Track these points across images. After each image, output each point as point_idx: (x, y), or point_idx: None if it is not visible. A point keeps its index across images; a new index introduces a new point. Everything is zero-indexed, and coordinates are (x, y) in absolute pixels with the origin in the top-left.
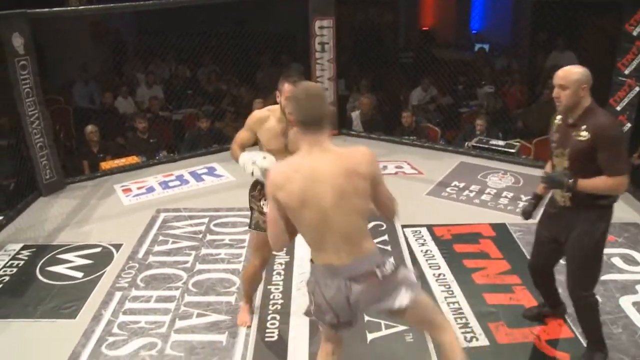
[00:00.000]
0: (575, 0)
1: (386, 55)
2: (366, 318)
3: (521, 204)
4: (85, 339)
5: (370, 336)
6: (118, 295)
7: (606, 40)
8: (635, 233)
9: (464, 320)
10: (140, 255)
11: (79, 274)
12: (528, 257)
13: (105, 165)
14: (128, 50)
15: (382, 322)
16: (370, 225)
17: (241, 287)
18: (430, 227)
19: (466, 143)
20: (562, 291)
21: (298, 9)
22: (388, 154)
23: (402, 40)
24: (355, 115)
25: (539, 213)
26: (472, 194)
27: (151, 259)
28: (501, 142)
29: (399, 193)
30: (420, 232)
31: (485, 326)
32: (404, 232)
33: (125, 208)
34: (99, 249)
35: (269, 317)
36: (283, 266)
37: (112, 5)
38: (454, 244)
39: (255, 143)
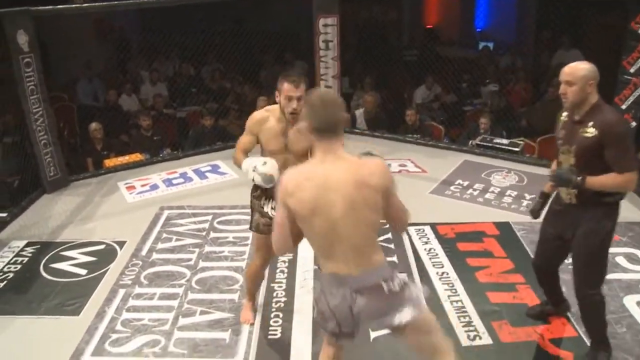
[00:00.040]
0: None
1: (390, 53)
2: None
3: (525, 203)
4: (89, 335)
5: (373, 334)
6: (121, 292)
7: (611, 39)
8: None
9: (467, 319)
10: (143, 252)
11: (83, 271)
12: (532, 256)
13: (109, 162)
14: (132, 48)
15: None
16: None
17: (244, 285)
18: (433, 226)
19: (470, 141)
20: (566, 290)
21: (301, 7)
22: (392, 152)
23: (406, 38)
24: (359, 113)
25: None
26: (475, 193)
27: (155, 256)
28: (505, 141)
29: (403, 191)
30: (423, 231)
31: (489, 325)
32: (407, 231)
33: (128, 205)
34: (102, 246)
35: (272, 315)
36: (286, 264)
37: (115, 2)
38: (457, 242)
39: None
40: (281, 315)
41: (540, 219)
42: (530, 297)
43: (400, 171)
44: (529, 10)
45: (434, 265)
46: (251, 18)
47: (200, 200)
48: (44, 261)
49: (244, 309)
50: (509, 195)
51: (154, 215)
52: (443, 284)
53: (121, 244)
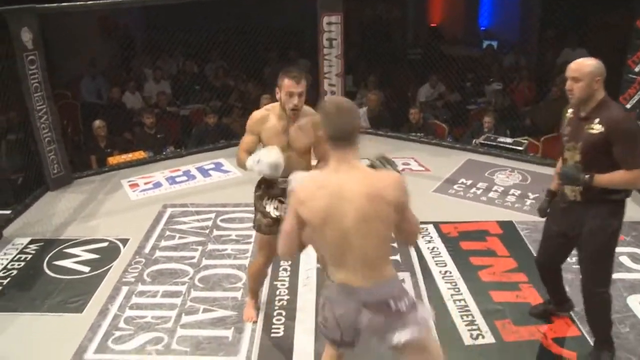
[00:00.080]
0: None
1: (394, 52)
2: None
3: (528, 202)
4: (92, 333)
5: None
6: (125, 289)
7: (616, 37)
8: None
9: (470, 318)
10: (147, 250)
11: (86, 269)
12: (535, 254)
13: (112, 160)
14: (136, 46)
15: None
16: None
17: (247, 283)
18: (437, 225)
19: (474, 140)
20: (569, 289)
21: (305, 5)
22: (395, 150)
23: (410, 36)
24: (362, 111)
25: None
26: (479, 192)
27: (158, 254)
28: (509, 140)
29: None
30: (427, 229)
31: (492, 324)
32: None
33: (132, 203)
34: (105, 244)
35: (275, 313)
36: (289, 262)
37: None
38: (460, 241)
39: None
40: (284, 313)
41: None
42: (533, 296)
43: (403, 170)
44: (533, 9)
45: (437, 264)
46: (255, 15)
47: (204, 198)
48: (47, 258)
49: (247, 306)
50: (513, 194)
51: (157, 213)
52: (446, 282)
53: (124, 241)
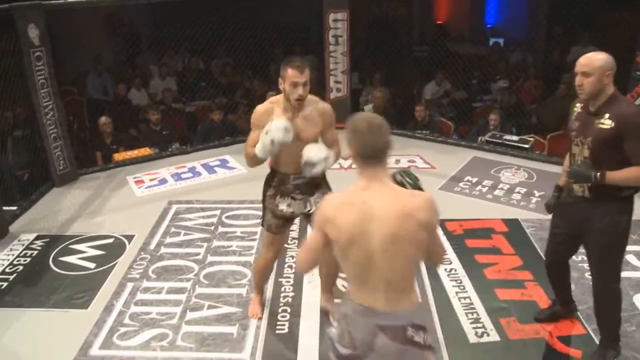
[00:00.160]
0: None
1: (400, 49)
2: None
3: (534, 200)
4: (97, 329)
5: None
6: (130, 286)
7: (624, 35)
8: None
9: (475, 316)
10: (152, 246)
11: (92, 265)
12: (540, 253)
13: (118, 156)
14: (142, 42)
15: None
16: None
17: (252, 279)
18: (442, 222)
19: (479, 138)
20: (574, 287)
21: (311, 2)
22: (401, 148)
23: (416, 33)
24: (368, 108)
25: None
26: (484, 189)
27: (163, 250)
28: (515, 137)
29: None
30: None
31: (497, 322)
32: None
33: (137, 199)
34: (111, 240)
35: (280, 310)
36: (294, 259)
37: None
38: (466, 239)
39: None
40: (289, 310)
41: (549, 216)
42: (538, 294)
43: (409, 167)
44: (540, 6)
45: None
46: (261, 12)
47: (209, 194)
48: (53, 254)
49: (252, 303)
50: (518, 192)
51: (163, 209)
52: (451, 280)
53: (130, 237)
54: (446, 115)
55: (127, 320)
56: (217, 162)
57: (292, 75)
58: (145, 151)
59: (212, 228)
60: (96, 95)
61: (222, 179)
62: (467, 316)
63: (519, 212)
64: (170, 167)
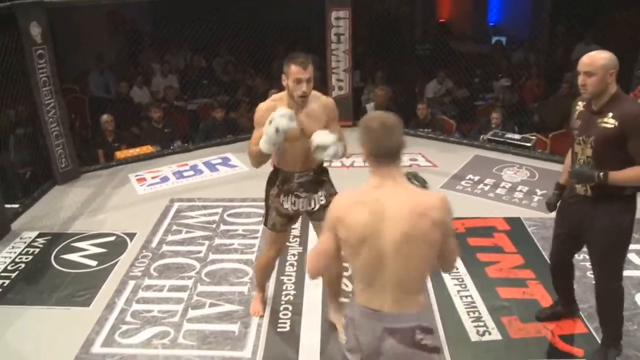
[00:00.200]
0: None
1: (402, 47)
2: None
3: (536, 198)
4: (99, 326)
5: None
6: (131, 284)
7: (626, 33)
8: None
9: (476, 314)
10: (153, 244)
11: (93, 263)
12: (542, 251)
13: (120, 154)
14: (144, 40)
15: None
16: None
17: (254, 277)
18: None
19: (481, 136)
20: (576, 286)
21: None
22: None
23: (419, 32)
24: (369, 107)
25: None
26: (486, 188)
27: (165, 248)
28: (517, 136)
29: None
30: None
31: (498, 320)
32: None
33: (139, 197)
34: (113, 238)
35: (281, 308)
36: (296, 257)
37: None
38: (467, 237)
39: None
40: (291, 308)
41: (550, 215)
42: (540, 292)
43: (410, 165)
44: (543, 4)
45: None
46: (263, 10)
47: (211, 192)
48: (55, 252)
49: (254, 301)
50: (520, 191)
51: (164, 207)
52: (452, 278)
53: (131, 235)
54: (448, 113)
55: (128, 318)
56: (219, 160)
57: (296, 72)
58: (147, 149)
59: (214, 226)
60: (98, 93)
61: (224, 177)
62: (468, 315)
63: (521, 211)
64: (172, 165)
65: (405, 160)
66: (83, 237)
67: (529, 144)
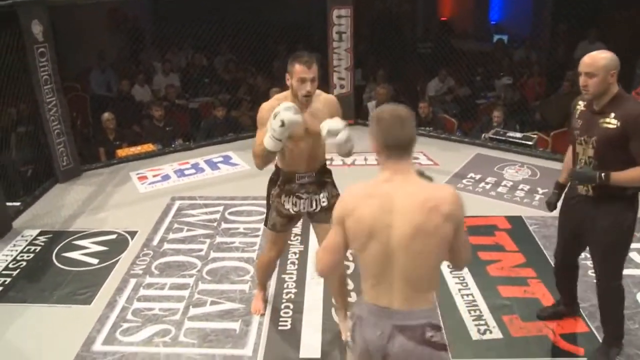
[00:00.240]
0: None
1: (404, 46)
2: None
3: (538, 197)
4: (100, 324)
5: None
6: (132, 282)
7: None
8: None
9: (477, 313)
10: (155, 242)
11: (94, 261)
12: (544, 250)
13: (121, 152)
14: (145, 38)
15: None
16: None
17: (255, 275)
18: None
19: (483, 135)
20: (577, 286)
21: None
22: None
23: (420, 30)
24: (371, 105)
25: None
26: (488, 186)
27: (166, 246)
28: (518, 134)
29: None
30: None
31: (499, 319)
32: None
33: (140, 195)
34: (114, 236)
35: (282, 306)
36: (297, 255)
37: None
38: (469, 235)
39: None
40: (292, 306)
41: (550, 213)
42: (541, 291)
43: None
44: (545, 2)
45: None
46: (264, 8)
47: (212, 191)
48: (56, 250)
49: (255, 299)
50: (522, 189)
51: (166, 205)
52: (454, 277)
53: (133, 233)
54: (449, 112)
55: (129, 316)
56: (220, 159)
57: (300, 71)
58: (149, 147)
59: (215, 224)
60: (99, 92)
61: (225, 175)
62: (469, 313)
63: (523, 209)
64: (173, 163)
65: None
66: (84, 235)
67: (530, 143)
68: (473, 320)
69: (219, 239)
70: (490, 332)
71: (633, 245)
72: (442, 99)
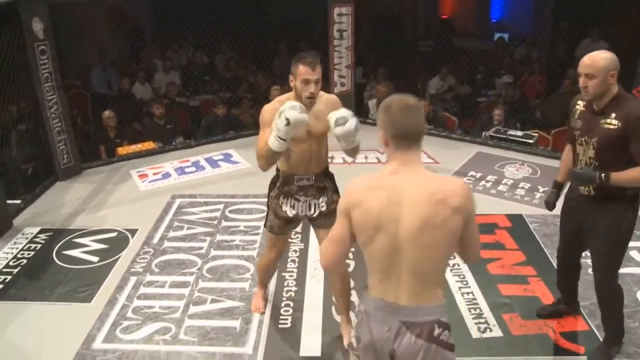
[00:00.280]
0: None
1: (405, 44)
2: None
3: (538, 195)
4: (100, 322)
5: None
6: (133, 280)
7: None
8: None
9: (477, 311)
10: (155, 240)
11: (95, 258)
12: (544, 248)
13: (121, 150)
14: (146, 36)
15: None
16: None
17: (255, 274)
18: None
19: (483, 133)
20: (578, 285)
21: None
22: None
23: (421, 28)
24: (372, 103)
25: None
26: (488, 185)
27: (166, 244)
28: (519, 133)
29: None
30: None
31: (500, 317)
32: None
33: (141, 193)
34: (114, 234)
35: (282, 304)
36: (297, 254)
37: None
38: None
39: None
40: (292, 304)
41: (556, 211)
42: (541, 289)
43: None
44: (546, 1)
45: None
46: (265, 6)
47: (212, 189)
48: (56, 248)
49: (255, 297)
50: (522, 188)
51: (166, 203)
52: (454, 275)
53: (133, 231)
54: (450, 110)
55: (130, 314)
56: (221, 156)
57: (304, 72)
58: (149, 145)
59: (215, 222)
60: (100, 89)
61: (226, 173)
62: (470, 311)
63: (523, 208)
64: (173, 161)
65: None
66: (85, 233)
67: (531, 141)
68: (473, 318)
69: (219, 237)
70: (491, 331)
71: (634, 244)
72: (442, 97)
